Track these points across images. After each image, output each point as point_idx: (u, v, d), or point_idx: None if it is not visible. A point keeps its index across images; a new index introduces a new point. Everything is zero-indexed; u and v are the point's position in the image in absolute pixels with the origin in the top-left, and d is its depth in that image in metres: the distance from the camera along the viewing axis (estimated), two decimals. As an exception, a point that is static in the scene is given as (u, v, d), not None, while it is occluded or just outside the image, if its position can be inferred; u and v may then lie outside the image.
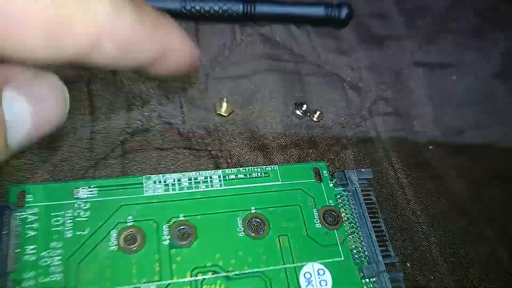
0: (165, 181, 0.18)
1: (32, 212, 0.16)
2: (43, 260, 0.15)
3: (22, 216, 0.16)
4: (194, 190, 0.18)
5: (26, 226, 0.16)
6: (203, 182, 0.18)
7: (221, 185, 0.18)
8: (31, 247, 0.15)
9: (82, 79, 0.20)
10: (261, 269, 0.16)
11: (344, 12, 0.24)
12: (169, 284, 0.15)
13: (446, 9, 0.28)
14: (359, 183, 0.18)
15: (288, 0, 0.25)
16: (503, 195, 0.20)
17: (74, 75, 0.20)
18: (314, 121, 0.21)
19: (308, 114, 0.21)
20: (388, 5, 0.27)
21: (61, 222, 0.16)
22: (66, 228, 0.16)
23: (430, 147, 0.21)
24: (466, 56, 0.26)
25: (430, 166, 0.21)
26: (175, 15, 0.22)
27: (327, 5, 0.24)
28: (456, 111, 0.23)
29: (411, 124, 0.22)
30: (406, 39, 0.25)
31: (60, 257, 0.15)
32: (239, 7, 0.23)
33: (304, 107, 0.21)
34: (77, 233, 0.16)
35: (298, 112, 0.21)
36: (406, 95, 0.23)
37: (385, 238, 0.17)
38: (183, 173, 0.18)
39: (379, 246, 0.17)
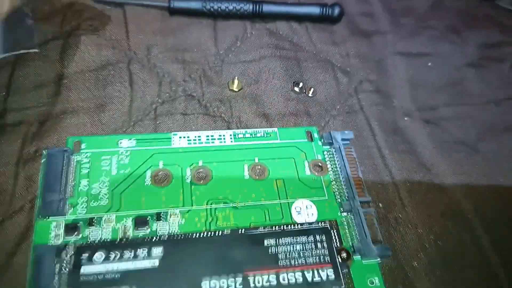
0: (188, 137, 0.22)
1: (86, 156, 0.20)
2: (93, 190, 0.19)
3: (77, 159, 0.20)
4: (210, 144, 0.22)
5: (81, 166, 0.20)
6: (218, 139, 0.22)
7: (231, 141, 0.22)
8: (85, 180, 0.20)
9: (123, 61, 0.24)
10: (261, 203, 0.20)
11: (336, 10, 0.28)
12: (189, 210, 0.19)
13: (428, 8, 0.32)
14: (342, 142, 0.22)
15: (290, 0, 0.29)
16: (465, 156, 0.24)
17: (117, 58, 0.24)
18: (309, 96, 0.25)
19: (304, 91, 0.25)
20: (376, 6, 0.31)
21: (108, 163, 0.20)
22: (112, 168, 0.20)
23: (405, 118, 0.25)
24: (443, 48, 0.29)
25: (404, 132, 0.24)
26: (197, 13, 0.27)
27: (322, 5, 0.28)
28: (430, 92, 0.27)
29: (390, 100, 0.26)
30: (389, 33, 0.29)
31: (107, 188, 0.19)
32: (249, 7, 0.27)
33: (300, 84, 0.25)
34: (121, 171, 0.20)
35: (295, 88, 0.25)
36: (387, 78, 0.27)
37: (361, 183, 0.21)
38: (202, 131, 0.23)
39: (356, 189, 0.21)
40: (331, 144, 0.22)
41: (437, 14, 0.32)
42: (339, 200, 0.21)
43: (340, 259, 0.19)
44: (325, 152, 0.22)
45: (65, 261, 0.17)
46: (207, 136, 0.22)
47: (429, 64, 0.28)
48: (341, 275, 0.18)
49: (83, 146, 0.20)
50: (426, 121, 0.25)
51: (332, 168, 0.22)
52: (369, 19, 0.30)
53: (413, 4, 0.32)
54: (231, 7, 0.27)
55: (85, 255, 0.17)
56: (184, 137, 0.22)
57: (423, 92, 0.26)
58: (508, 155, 0.24)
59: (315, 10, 0.28)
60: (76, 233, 0.18)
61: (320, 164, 0.22)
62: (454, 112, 0.26)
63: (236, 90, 0.24)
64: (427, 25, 0.30)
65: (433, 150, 0.24)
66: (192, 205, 0.19)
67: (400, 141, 0.24)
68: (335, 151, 0.22)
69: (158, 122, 0.22)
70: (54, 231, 0.18)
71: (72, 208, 0.19)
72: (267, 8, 0.27)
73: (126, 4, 0.27)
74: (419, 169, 0.23)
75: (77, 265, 0.17)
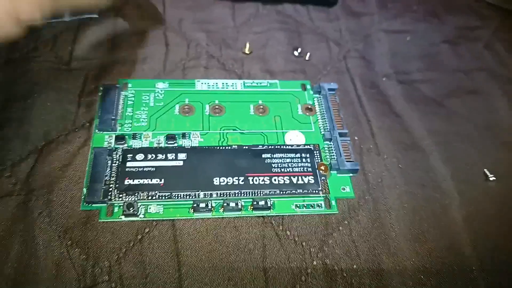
0: (208, 83, 0.28)
1: (131, 92, 0.27)
2: (136, 115, 0.26)
3: (125, 94, 0.26)
4: (225, 88, 0.28)
5: (128, 99, 0.26)
6: (231, 85, 0.28)
7: (241, 88, 0.28)
8: (130, 109, 0.26)
9: (161, 29, 0.31)
10: (262, 131, 0.26)
11: (333, -5, 0.34)
12: (207, 133, 0.25)
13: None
14: (328, 91, 0.28)
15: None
16: (431, 108, 0.29)
17: (156, 26, 0.31)
18: (305, 60, 0.30)
19: (302, 55, 0.31)
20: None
21: (147, 98, 0.26)
22: (150, 101, 0.26)
23: (383, 78, 0.30)
24: (422, 27, 0.34)
25: (381, 88, 0.29)
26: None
27: (321, -9, 0.34)
28: (407, 60, 0.32)
29: (372, 65, 0.31)
30: (376, 15, 0.34)
31: (146, 114, 0.26)
32: (261, -9, 0.33)
33: (299, 50, 0.30)
34: (156, 104, 0.26)
35: (295, 53, 0.30)
36: (371, 48, 0.32)
37: (341, 121, 0.26)
38: (219, 79, 0.28)
39: (337, 124, 0.26)
40: (319, 92, 0.28)
41: (422, 1, 0.37)
42: (322, 132, 0.26)
43: (319, 171, 0.24)
44: (315, 99, 0.28)
45: (115, 159, 0.23)
46: (223, 83, 0.28)
47: (408, 38, 0.33)
48: (319, 181, 0.24)
49: (129, 85, 0.27)
50: (400, 82, 0.30)
51: (319, 110, 0.27)
52: (360, 3, 0.35)
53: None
54: (246, -9, 0.33)
55: (129, 155, 0.23)
56: (205, 83, 0.28)
57: (400, 60, 0.31)
58: (468, 110, 0.29)
59: (315, -6, 0.34)
60: (123, 142, 0.24)
61: (310, 107, 0.27)
62: (425, 76, 0.31)
63: (248, 53, 0.30)
64: (411, 9, 0.36)
65: (404, 102, 0.29)
66: (209, 129, 0.25)
67: (377, 93, 0.29)
68: (322, 98, 0.27)
69: (185, 73, 0.28)
70: (107, 140, 0.24)
71: (121, 127, 0.25)
72: (275, -7, 0.33)
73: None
74: (391, 114, 0.28)
75: (123, 161, 0.23)
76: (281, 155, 0.24)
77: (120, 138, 0.24)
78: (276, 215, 0.23)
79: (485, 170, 0.26)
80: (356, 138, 0.26)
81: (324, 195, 0.23)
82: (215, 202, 0.22)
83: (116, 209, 0.22)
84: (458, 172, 0.26)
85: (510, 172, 0.26)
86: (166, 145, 0.24)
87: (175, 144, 0.24)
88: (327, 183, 0.24)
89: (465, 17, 0.37)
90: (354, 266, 0.22)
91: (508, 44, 0.36)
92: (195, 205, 0.22)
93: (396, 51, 0.32)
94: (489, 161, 0.27)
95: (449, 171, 0.26)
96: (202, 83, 0.28)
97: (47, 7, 0.17)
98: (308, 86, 0.28)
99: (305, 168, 0.24)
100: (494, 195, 0.25)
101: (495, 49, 0.35)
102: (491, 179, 0.26)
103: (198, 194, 0.22)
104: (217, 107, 0.26)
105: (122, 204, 0.21)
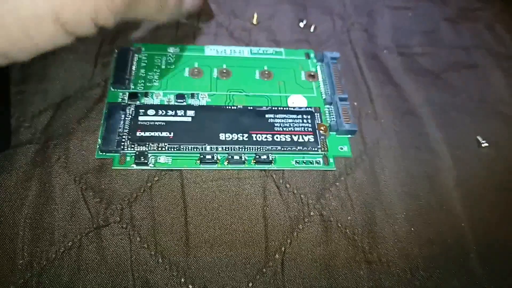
0: (216, 49, 0.29)
1: (144, 55, 0.28)
2: (149, 75, 0.27)
3: (139, 56, 0.27)
4: (233, 55, 0.29)
5: (141, 61, 0.27)
6: (238, 52, 0.29)
7: (248, 54, 0.29)
8: (143, 70, 0.27)
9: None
10: (266, 94, 0.27)
11: (338, -28, 0.35)
12: (214, 94, 0.26)
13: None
14: (331, 59, 0.29)
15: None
16: (428, 80, 0.29)
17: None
18: (310, 31, 0.31)
19: (307, 27, 0.31)
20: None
21: (159, 61, 0.27)
22: (162, 64, 0.27)
23: (384, 51, 0.31)
24: (425, 5, 0.35)
25: (382, 59, 0.30)
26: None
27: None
28: (408, 35, 0.32)
29: (374, 38, 0.31)
30: None
31: (158, 74, 0.27)
32: (270, -34, 0.34)
33: (305, 21, 0.31)
34: (168, 67, 0.27)
35: (300, 24, 0.31)
36: (374, 23, 0.32)
37: (341, 87, 0.27)
38: (227, 46, 0.29)
39: (337, 90, 0.27)
40: (322, 60, 0.29)
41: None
42: (324, 97, 0.27)
43: (319, 131, 0.25)
44: (318, 66, 0.29)
45: (128, 113, 0.24)
46: (231, 49, 0.29)
47: (409, 14, 0.34)
48: (319, 140, 0.25)
49: (143, 49, 0.28)
50: (401, 54, 0.31)
51: (322, 77, 0.28)
52: (366, -20, 0.36)
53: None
54: (255, -34, 0.34)
55: (141, 110, 0.24)
56: (213, 49, 0.29)
57: (402, 35, 0.32)
58: (465, 83, 0.30)
59: (322, -30, 0.34)
60: (136, 99, 0.25)
61: (312, 74, 0.28)
62: (425, 51, 0.31)
63: (255, 23, 0.31)
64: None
65: (403, 73, 0.29)
66: (216, 91, 0.26)
67: (377, 64, 0.30)
68: (325, 65, 0.28)
69: (195, 39, 0.29)
70: (121, 97, 0.25)
71: (134, 86, 0.26)
72: (283, -32, 0.34)
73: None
74: (390, 83, 0.29)
75: (136, 115, 0.24)
76: (283, 115, 0.25)
77: (133, 95, 0.25)
78: (277, 169, 0.24)
79: (478, 137, 0.27)
80: (355, 103, 0.27)
81: (323, 152, 0.24)
82: (220, 155, 0.23)
83: (128, 158, 0.23)
84: (452, 138, 0.27)
85: (502, 140, 0.27)
86: (176, 103, 0.25)
87: (184, 103, 0.25)
88: (326, 142, 0.25)
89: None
90: (349, 218, 0.23)
91: (509, 26, 0.36)
92: (201, 157, 0.23)
93: (398, 26, 0.33)
94: (482, 129, 0.27)
95: (443, 136, 0.26)
96: (211, 49, 0.29)
97: (120, 14, 0.19)
98: (312, 55, 0.29)
99: (305, 128, 0.25)
100: (486, 160, 0.26)
101: (495, 29, 0.35)
102: (483, 145, 0.27)
103: (204, 147, 0.23)
104: (224, 71, 0.27)
105: (134, 153, 0.23)
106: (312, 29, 0.31)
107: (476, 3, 0.37)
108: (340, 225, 0.22)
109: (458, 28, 0.34)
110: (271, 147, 0.24)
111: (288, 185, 0.23)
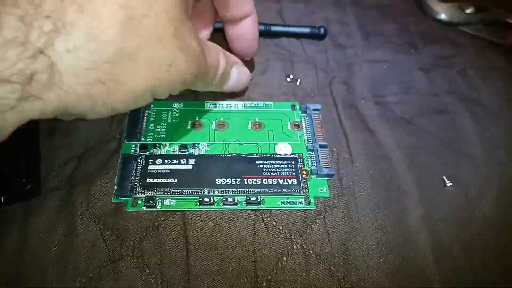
0: (215, 104, 0.33)
1: (153, 110, 0.32)
2: (157, 129, 0.31)
3: (148, 112, 0.32)
4: (229, 108, 0.33)
5: (150, 116, 0.32)
6: (234, 105, 0.33)
7: (242, 108, 0.33)
8: (152, 124, 0.32)
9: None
10: (257, 142, 0.31)
11: (322, 30, 0.39)
12: (212, 143, 0.30)
13: (395, 31, 0.42)
14: (313, 111, 0.33)
15: (290, 23, 0.41)
16: (401, 125, 0.33)
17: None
18: (296, 85, 0.36)
19: (293, 81, 0.36)
20: (353, 28, 0.42)
21: (166, 116, 0.32)
22: (168, 118, 0.32)
23: (362, 100, 0.35)
24: (400, 57, 0.39)
25: (359, 108, 0.34)
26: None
27: (313, 27, 0.40)
28: (384, 85, 0.36)
29: (353, 89, 0.36)
30: (360, 47, 0.39)
31: (165, 128, 0.31)
32: (261, 27, 0.39)
33: (291, 76, 0.36)
34: (173, 121, 0.32)
35: (287, 79, 0.36)
36: (353, 75, 0.37)
37: (322, 135, 0.32)
38: (224, 101, 0.34)
39: (318, 138, 0.31)
40: (306, 111, 0.33)
41: (402, 35, 0.42)
42: (306, 144, 0.31)
43: (302, 175, 0.29)
44: (302, 117, 0.33)
45: (139, 163, 0.29)
46: (227, 104, 0.33)
47: (385, 67, 0.38)
48: (301, 183, 0.29)
49: (152, 105, 0.32)
50: (376, 103, 0.35)
51: (305, 126, 0.32)
52: (346, 37, 0.40)
53: (384, 29, 0.42)
54: (250, 28, 0.39)
55: (151, 160, 0.29)
56: (213, 104, 0.33)
57: (378, 85, 0.36)
58: (435, 127, 0.34)
59: (307, 30, 0.39)
60: (146, 150, 0.30)
61: (297, 123, 0.32)
62: (399, 99, 0.35)
63: (249, 80, 0.36)
64: (391, 42, 0.41)
65: (378, 120, 0.33)
66: (214, 141, 0.31)
67: (354, 113, 0.34)
68: (308, 116, 0.33)
69: (196, 96, 0.34)
70: (133, 148, 0.30)
71: (144, 138, 0.31)
72: (274, 28, 0.39)
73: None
74: (365, 130, 0.33)
75: (146, 164, 0.29)
76: (271, 161, 0.29)
77: (143, 147, 0.30)
78: (265, 209, 0.28)
79: (444, 177, 0.31)
80: (334, 149, 0.31)
81: (305, 194, 0.28)
82: (217, 198, 0.27)
83: (139, 201, 0.27)
84: (420, 178, 0.30)
85: (466, 179, 0.31)
86: (180, 153, 0.30)
87: (187, 152, 0.30)
88: (307, 184, 0.29)
89: (442, 46, 0.42)
90: (326, 250, 0.26)
91: (481, 70, 0.39)
92: (200, 199, 0.27)
93: (375, 77, 0.37)
94: (449, 170, 0.31)
95: (411, 178, 0.30)
96: (210, 104, 0.33)
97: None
98: (297, 106, 0.34)
99: (290, 172, 0.29)
100: (449, 197, 0.30)
101: (467, 74, 0.39)
102: (448, 184, 0.30)
103: (203, 191, 0.27)
104: (221, 123, 0.32)
105: (144, 197, 0.27)
106: (298, 82, 0.36)
107: (450, 51, 0.41)
108: (319, 257, 0.26)
109: (431, 76, 0.38)
110: (260, 190, 0.28)
111: (274, 222, 0.27)
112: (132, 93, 0.21)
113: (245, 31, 0.32)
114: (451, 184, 0.30)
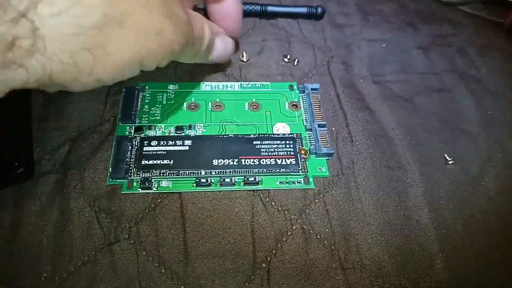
0: (211, 85, 0.33)
1: (148, 93, 0.31)
2: (152, 110, 0.30)
3: (143, 94, 0.31)
4: (225, 89, 0.32)
5: (145, 98, 0.31)
6: (230, 87, 0.33)
7: (239, 89, 0.33)
8: (147, 106, 0.31)
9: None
10: (254, 123, 0.30)
11: (319, 10, 0.38)
12: (209, 124, 0.30)
13: (393, 10, 0.41)
14: (311, 90, 0.32)
15: (287, 3, 0.40)
16: (400, 104, 0.33)
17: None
18: (294, 65, 0.35)
19: (291, 61, 0.35)
20: (351, 8, 0.41)
21: (161, 98, 0.31)
22: (163, 100, 0.31)
23: (361, 80, 0.34)
24: (398, 36, 0.38)
25: (357, 88, 0.33)
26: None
27: (309, 7, 0.39)
28: (382, 65, 0.36)
29: (351, 68, 0.35)
30: (358, 26, 0.39)
31: (160, 110, 0.30)
32: (258, 8, 0.38)
33: (288, 57, 0.35)
34: (168, 102, 0.31)
35: (285, 59, 0.35)
36: (351, 55, 0.36)
37: (321, 115, 0.31)
38: (220, 82, 0.33)
39: (316, 118, 0.31)
40: (303, 91, 0.32)
41: (400, 14, 0.41)
42: (305, 124, 0.31)
43: (300, 154, 0.28)
44: (300, 97, 0.32)
45: (134, 145, 0.28)
46: (223, 85, 0.33)
47: (383, 46, 0.37)
48: (299, 163, 0.28)
49: (146, 87, 0.32)
50: (375, 82, 0.34)
51: (303, 106, 0.32)
52: (344, 17, 0.40)
53: (382, 8, 0.41)
54: (245, 8, 0.38)
55: (146, 142, 0.28)
56: (208, 85, 0.33)
57: (376, 64, 0.36)
58: (434, 106, 0.33)
59: (304, 10, 0.38)
60: (141, 132, 0.29)
61: (295, 103, 0.32)
62: (398, 78, 0.35)
63: (245, 60, 0.35)
64: (389, 21, 0.40)
65: (377, 99, 0.33)
66: (210, 122, 0.30)
67: (353, 93, 0.33)
68: (306, 96, 0.32)
69: (192, 78, 0.33)
70: (128, 130, 0.29)
71: (139, 120, 0.30)
72: (270, 8, 0.38)
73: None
74: (364, 109, 0.32)
75: (141, 146, 0.28)
76: (269, 142, 0.29)
77: (138, 129, 0.29)
78: (264, 189, 0.27)
79: (445, 155, 0.30)
80: (333, 128, 0.31)
81: (304, 173, 0.28)
82: (214, 179, 0.27)
83: (135, 184, 0.26)
84: (421, 156, 0.30)
85: (467, 157, 0.30)
86: (175, 134, 0.29)
87: (183, 134, 0.29)
88: (306, 164, 0.28)
89: (440, 26, 0.41)
90: (326, 230, 0.26)
91: (481, 49, 0.39)
92: (197, 180, 0.26)
93: (373, 56, 0.36)
94: (449, 148, 0.30)
95: (412, 156, 0.30)
96: (206, 85, 0.32)
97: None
98: (295, 87, 0.33)
99: (288, 152, 0.28)
100: (451, 175, 0.29)
101: (467, 53, 0.38)
102: (450, 162, 0.30)
103: (200, 172, 0.27)
104: (217, 104, 0.31)
105: (140, 179, 0.26)
106: (295, 62, 0.35)
107: (448, 29, 0.41)
108: (319, 237, 0.25)
109: (430, 55, 0.38)
110: (258, 170, 0.27)
111: (273, 203, 0.27)
112: (119, 62, 0.20)
113: (228, 10, 0.31)
114: (452, 162, 0.30)
